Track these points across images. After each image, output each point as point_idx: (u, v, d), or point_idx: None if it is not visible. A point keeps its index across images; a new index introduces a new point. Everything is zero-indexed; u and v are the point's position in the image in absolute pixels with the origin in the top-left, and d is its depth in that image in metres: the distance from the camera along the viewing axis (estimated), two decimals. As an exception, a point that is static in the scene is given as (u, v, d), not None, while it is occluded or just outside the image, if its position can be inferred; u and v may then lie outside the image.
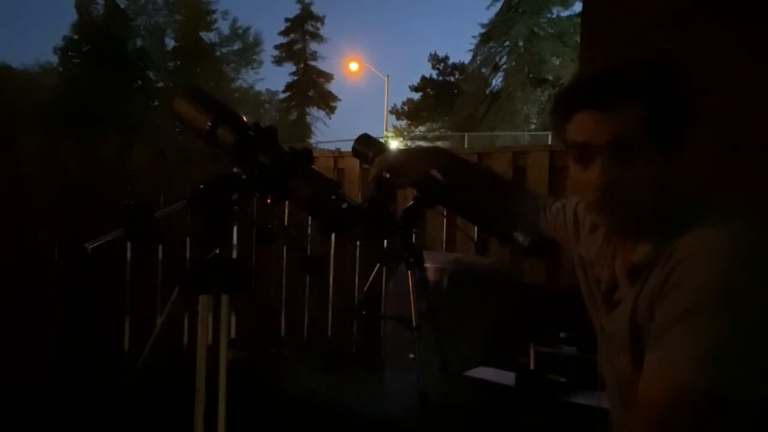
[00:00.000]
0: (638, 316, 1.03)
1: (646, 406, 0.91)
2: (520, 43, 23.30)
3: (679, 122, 0.99)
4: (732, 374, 0.87)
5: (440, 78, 29.27)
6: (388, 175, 2.31)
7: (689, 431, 0.88)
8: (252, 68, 30.24)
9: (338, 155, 3.53)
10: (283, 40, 31.28)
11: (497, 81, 24.39)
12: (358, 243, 3.31)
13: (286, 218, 3.13)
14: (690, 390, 0.87)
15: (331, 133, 40.64)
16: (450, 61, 29.17)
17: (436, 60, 29.23)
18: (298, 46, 31.42)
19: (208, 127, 1.36)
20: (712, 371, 0.87)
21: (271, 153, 1.29)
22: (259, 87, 38.07)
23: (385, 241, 2.53)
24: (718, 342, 0.88)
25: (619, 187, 0.98)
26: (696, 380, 0.87)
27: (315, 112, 31.76)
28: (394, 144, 23.00)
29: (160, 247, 2.85)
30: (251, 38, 29.85)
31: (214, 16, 28.29)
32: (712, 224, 0.96)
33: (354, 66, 27.59)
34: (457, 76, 28.61)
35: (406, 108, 29.53)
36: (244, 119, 1.39)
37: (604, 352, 1.19)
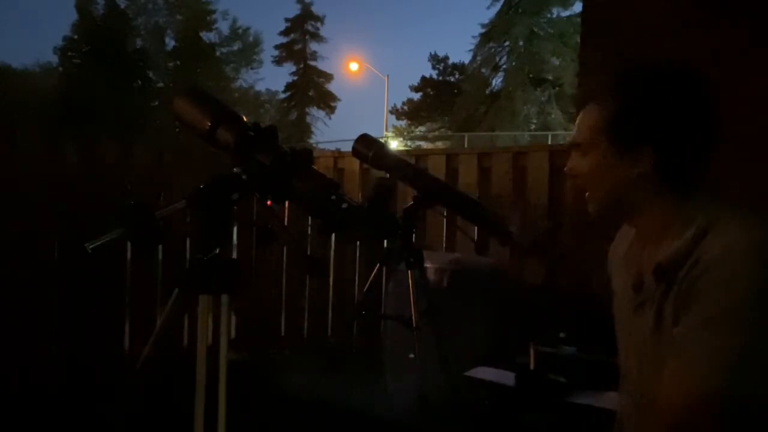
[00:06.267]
0: (664, 319, 1.04)
1: (668, 410, 0.93)
2: (520, 43, 23.27)
3: (634, 125, 1.07)
4: (754, 381, 0.89)
5: (440, 78, 29.24)
6: (388, 175, 2.31)
7: None
8: (252, 68, 30.24)
9: (338, 155, 3.53)
10: (283, 40, 31.27)
11: (497, 81, 24.38)
12: (358, 243, 3.31)
13: (286, 218, 3.13)
14: (713, 396, 0.89)
15: (331, 133, 40.66)
16: (450, 61, 29.18)
17: (436, 60, 29.23)
18: (298, 46, 31.38)
19: (207, 127, 1.36)
20: (734, 378, 0.89)
21: (271, 153, 1.29)
22: (259, 87, 38.08)
23: (385, 241, 2.53)
24: (741, 349, 0.90)
25: (576, 176, 1.18)
26: (719, 386, 0.89)
27: (315, 112, 31.74)
28: (394, 144, 22.98)
29: (160, 247, 2.85)
30: (251, 38, 29.86)
31: (214, 16, 28.29)
32: (736, 229, 0.98)
33: (354, 66, 27.55)
34: (457, 76, 28.58)
35: (406, 108, 29.51)
36: (244, 119, 1.38)
37: (627, 351, 1.19)
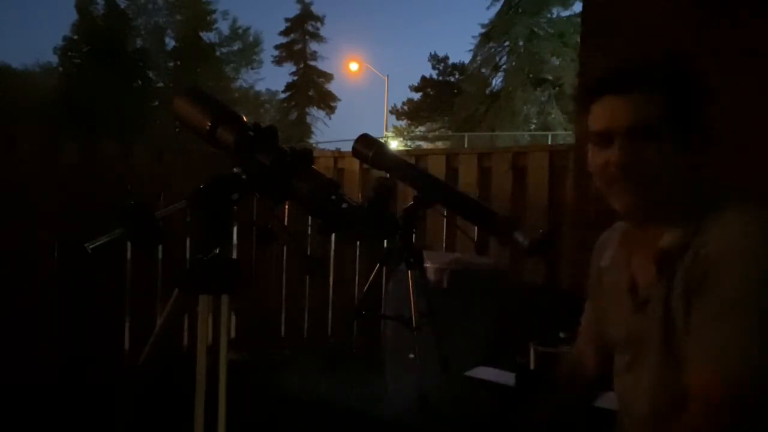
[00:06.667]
0: (673, 311, 1.04)
1: (701, 400, 0.95)
2: (520, 43, 23.26)
3: (694, 113, 1.04)
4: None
5: (440, 78, 29.24)
6: (388, 175, 2.31)
7: (744, 422, 0.92)
8: (252, 68, 30.27)
9: (338, 155, 3.54)
10: (283, 40, 31.28)
11: (497, 81, 24.37)
12: (358, 243, 3.31)
13: (286, 218, 3.13)
14: (743, 381, 0.91)
15: (331, 133, 40.69)
16: (450, 61, 29.17)
17: (436, 60, 29.22)
18: (298, 46, 31.38)
19: (208, 127, 1.36)
20: (760, 363, 0.91)
21: (271, 153, 1.29)
22: (259, 87, 38.12)
23: (385, 241, 2.53)
24: (753, 335, 0.93)
25: (635, 166, 1.04)
26: (746, 372, 0.91)
27: (315, 112, 31.74)
28: (394, 144, 22.97)
29: (160, 247, 2.85)
30: (251, 38, 29.88)
31: (214, 16, 28.32)
32: (741, 214, 0.99)
33: (354, 66, 27.55)
34: (457, 76, 28.56)
35: (406, 108, 29.50)
36: (244, 119, 1.38)
37: (627, 350, 1.19)
